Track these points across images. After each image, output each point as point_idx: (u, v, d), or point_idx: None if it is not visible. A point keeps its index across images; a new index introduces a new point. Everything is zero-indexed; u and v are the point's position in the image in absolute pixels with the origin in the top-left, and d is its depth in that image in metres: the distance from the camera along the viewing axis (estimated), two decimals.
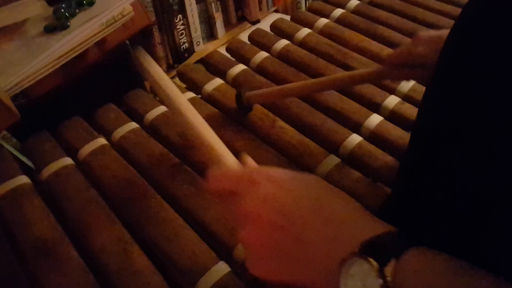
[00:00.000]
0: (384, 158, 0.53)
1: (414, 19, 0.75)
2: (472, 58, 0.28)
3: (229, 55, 0.73)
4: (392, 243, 0.24)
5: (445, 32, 0.41)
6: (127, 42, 0.77)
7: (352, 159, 0.54)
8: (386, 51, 0.67)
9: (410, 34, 0.71)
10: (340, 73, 0.57)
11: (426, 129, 0.34)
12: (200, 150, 0.42)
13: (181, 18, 1.06)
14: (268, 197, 0.28)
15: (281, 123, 0.58)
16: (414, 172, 0.36)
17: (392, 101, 0.60)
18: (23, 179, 0.53)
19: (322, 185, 0.31)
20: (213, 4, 1.12)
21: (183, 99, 0.47)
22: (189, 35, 1.10)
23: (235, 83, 0.66)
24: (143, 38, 1.00)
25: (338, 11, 0.78)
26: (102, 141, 0.58)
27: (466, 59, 0.28)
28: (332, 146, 0.55)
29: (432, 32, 0.47)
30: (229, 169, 0.35)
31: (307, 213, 0.27)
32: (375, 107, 0.60)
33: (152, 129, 0.60)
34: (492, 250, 0.27)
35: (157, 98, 0.66)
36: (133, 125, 0.60)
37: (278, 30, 0.77)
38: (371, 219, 0.27)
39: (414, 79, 0.58)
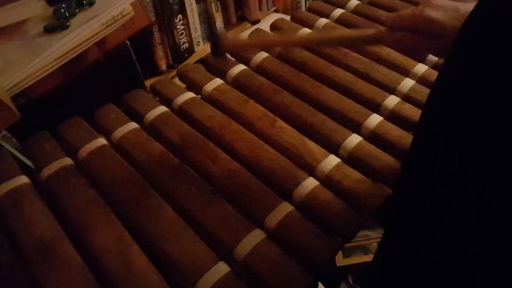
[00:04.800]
0: (384, 158, 0.53)
1: None
2: (485, 57, 0.27)
3: (229, 55, 0.72)
4: None
5: (462, 5, 0.39)
6: (127, 42, 0.77)
7: (352, 159, 0.54)
8: (386, 50, 0.67)
9: None
10: (334, 32, 0.53)
11: (430, 130, 0.34)
12: None
13: (181, 18, 1.06)
14: None
15: (281, 123, 0.58)
16: (416, 173, 0.35)
17: (392, 101, 0.60)
18: (23, 179, 0.53)
19: None
20: (213, 4, 1.12)
21: None
22: (189, 35, 1.10)
23: (235, 83, 0.66)
24: (143, 38, 1.00)
25: (338, 11, 0.78)
26: (102, 141, 0.58)
27: (479, 58, 0.27)
28: (332, 146, 0.55)
29: (447, 1, 0.42)
30: None
31: None
32: (375, 107, 0.60)
33: (152, 129, 0.60)
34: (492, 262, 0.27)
35: (157, 98, 0.66)
36: (133, 125, 0.60)
37: (278, 30, 0.77)
38: None
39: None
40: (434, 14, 0.41)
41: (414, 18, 0.43)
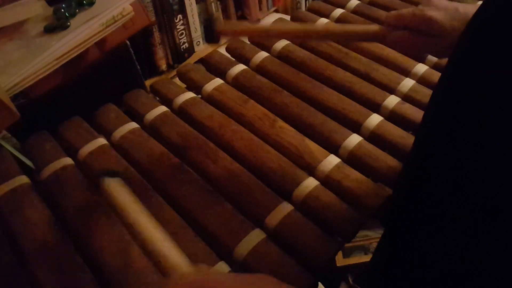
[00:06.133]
0: (384, 158, 0.53)
1: None
2: (490, 58, 0.26)
3: (229, 55, 0.72)
4: None
5: (462, 7, 0.39)
6: (127, 42, 0.77)
7: (352, 159, 0.54)
8: (386, 50, 0.67)
9: None
10: (334, 25, 0.53)
11: (432, 130, 0.34)
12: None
13: (181, 18, 1.06)
14: None
15: (281, 123, 0.58)
16: (417, 174, 0.35)
17: (392, 101, 0.60)
18: (23, 179, 0.53)
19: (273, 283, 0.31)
20: (213, 4, 1.12)
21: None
22: (189, 35, 1.10)
23: (235, 83, 0.66)
24: (143, 38, 1.00)
25: (338, 11, 0.78)
26: (102, 141, 0.58)
27: (483, 59, 0.27)
28: (332, 146, 0.55)
29: (447, 2, 0.43)
30: (185, 277, 0.33)
31: None
32: (375, 107, 0.60)
33: (152, 129, 0.60)
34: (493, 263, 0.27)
35: (157, 98, 0.66)
36: (133, 125, 0.60)
37: None
38: None
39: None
40: (435, 14, 0.42)
41: (415, 17, 0.43)
